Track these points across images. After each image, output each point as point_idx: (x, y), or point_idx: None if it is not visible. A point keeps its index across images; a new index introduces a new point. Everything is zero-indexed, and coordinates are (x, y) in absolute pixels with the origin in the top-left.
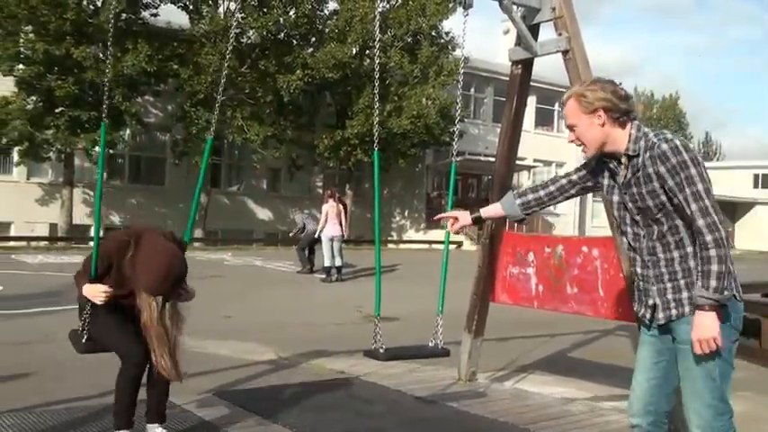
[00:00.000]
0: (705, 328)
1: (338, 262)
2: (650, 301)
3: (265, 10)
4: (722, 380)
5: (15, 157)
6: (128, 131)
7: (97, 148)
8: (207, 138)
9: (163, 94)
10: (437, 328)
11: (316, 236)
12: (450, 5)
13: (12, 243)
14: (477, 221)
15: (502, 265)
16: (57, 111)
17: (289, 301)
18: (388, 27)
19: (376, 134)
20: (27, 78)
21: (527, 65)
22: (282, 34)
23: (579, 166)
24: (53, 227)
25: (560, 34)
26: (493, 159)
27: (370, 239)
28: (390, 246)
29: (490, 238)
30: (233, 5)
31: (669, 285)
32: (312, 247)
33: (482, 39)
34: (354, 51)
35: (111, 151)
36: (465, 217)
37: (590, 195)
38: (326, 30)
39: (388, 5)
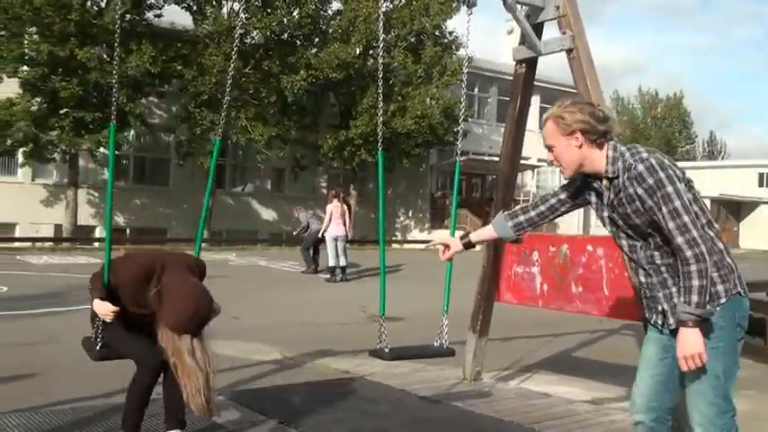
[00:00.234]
0: (690, 344)
1: (342, 262)
2: (659, 308)
3: (269, 10)
4: (726, 378)
5: (20, 158)
6: (132, 132)
7: (102, 149)
8: (214, 139)
9: (167, 95)
10: (442, 328)
11: (320, 235)
12: (454, 5)
13: (17, 244)
14: (468, 246)
15: (506, 265)
16: (61, 112)
17: (293, 302)
18: (392, 27)
19: (380, 134)
20: (31, 80)
21: (531, 64)
22: (286, 35)
23: (566, 184)
24: (58, 228)
25: (564, 33)
26: (497, 159)
27: (374, 239)
28: (394, 246)
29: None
30: (236, 6)
31: (674, 290)
32: (317, 247)
33: (486, 38)
34: (358, 51)
35: (115, 152)
36: (456, 244)
37: None
38: (330, 30)
39: (391, 5)
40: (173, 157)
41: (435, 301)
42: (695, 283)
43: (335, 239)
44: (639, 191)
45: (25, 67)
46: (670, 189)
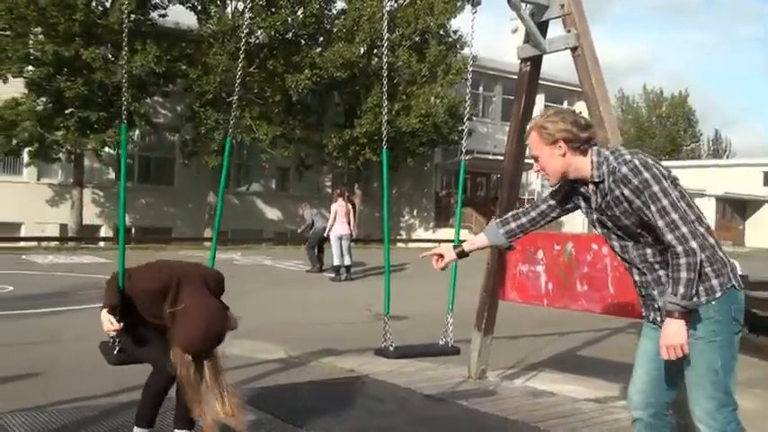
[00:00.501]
0: (674, 334)
1: (347, 261)
2: (656, 305)
3: (273, 10)
4: (725, 372)
5: (25, 157)
6: (137, 132)
7: (107, 149)
8: (219, 138)
9: (172, 95)
10: (447, 326)
11: (325, 234)
12: (459, 4)
13: (22, 243)
14: (462, 255)
15: (511, 263)
16: (66, 112)
17: (298, 301)
18: (396, 26)
19: (384, 133)
20: (37, 80)
21: (536, 62)
22: (290, 34)
23: (554, 190)
24: (63, 227)
25: (569, 31)
26: (502, 158)
27: (379, 238)
28: (399, 245)
29: None
30: (241, 5)
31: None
32: (321, 246)
33: (490, 37)
34: (362, 51)
35: (120, 152)
36: (450, 253)
37: None
38: (334, 29)
39: (395, 4)
40: (177, 156)
41: (440, 299)
42: (683, 275)
43: (340, 238)
44: (626, 192)
45: (30, 67)
46: (656, 188)
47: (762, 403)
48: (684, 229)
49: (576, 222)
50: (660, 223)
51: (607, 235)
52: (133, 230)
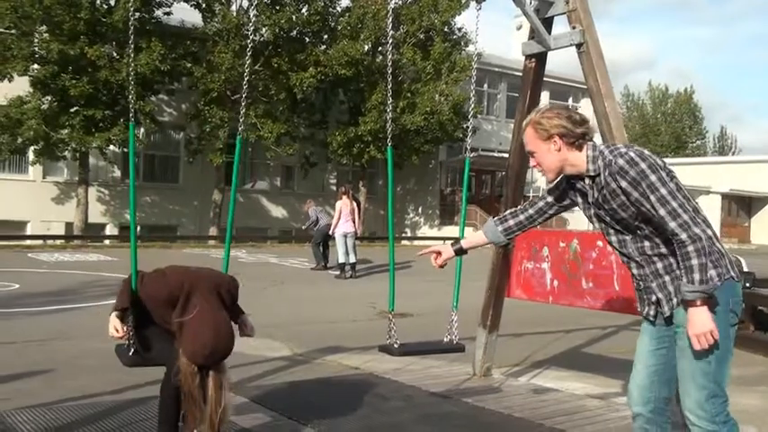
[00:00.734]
0: (701, 323)
1: (352, 259)
2: (653, 297)
3: (278, 7)
4: (717, 363)
5: (31, 156)
6: (142, 130)
7: (111, 147)
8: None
9: (176, 93)
10: (451, 324)
11: (330, 232)
12: (463, 1)
13: (28, 242)
14: (460, 253)
15: (516, 261)
16: (71, 110)
17: (303, 298)
18: (401, 23)
19: (389, 131)
20: (42, 78)
21: (541, 59)
22: (295, 32)
23: (551, 187)
24: (69, 225)
25: (574, 27)
26: (506, 155)
27: (383, 236)
28: (404, 242)
29: None
30: (245, 3)
31: (668, 278)
32: (326, 244)
33: (495, 34)
34: (367, 48)
35: (125, 150)
36: (447, 250)
37: None
38: (339, 27)
39: (400, 2)
40: (182, 154)
41: (445, 297)
42: (695, 261)
43: (345, 236)
44: (623, 184)
45: (35, 66)
46: (654, 178)
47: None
48: (686, 217)
49: (581, 221)
50: (662, 212)
51: (605, 230)
52: (138, 228)
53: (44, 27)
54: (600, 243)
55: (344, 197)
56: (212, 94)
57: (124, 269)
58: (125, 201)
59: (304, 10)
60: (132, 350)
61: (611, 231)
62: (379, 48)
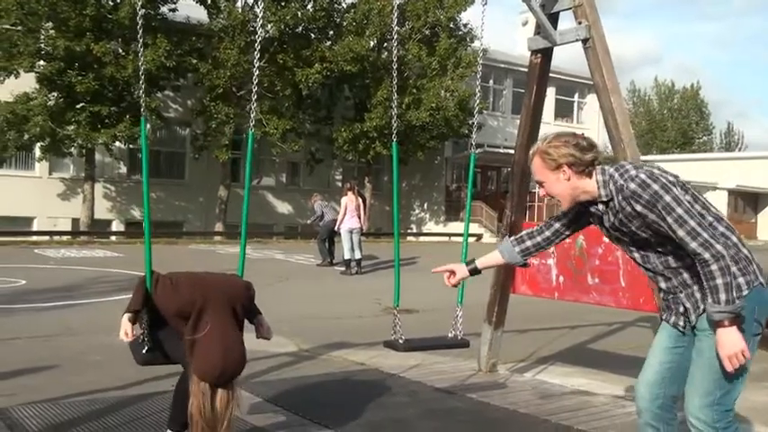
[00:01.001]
0: (730, 344)
1: (358, 255)
2: (681, 308)
3: (283, 3)
4: (731, 374)
5: (37, 152)
6: (148, 126)
7: (117, 143)
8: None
9: (182, 89)
10: (456, 319)
11: (336, 229)
12: None
13: (34, 238)
14: (475, 273)
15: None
16: (77, 106)
17: (309, 294)
18: (406, 19)
19: (394, 127)
20: (48, 74)
21: (546, 54)
22: (300, 28)
23: (567, 210)
24: (75, 221)
25: (580, 23)
26: (512, 151)
27: (389, 232)
28: (410, 238)
29: (510, 229)
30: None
31: (696, 287)
32: (332, 240)
33: (501, 30)
34: (372, 44)
35: (131, 146)
36: (461, 270)
37: None
38: (344, 23)
39: None
40: (188, 150)
41: (450, 293)
42: (719, 281)
43: (350, 232)
44: (638, 208)
45: (42, 62)
46: (668, 198)
47: None
48: (705, 235)
49: None
50: (680, 233)
51: (626, 248)
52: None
53: (50, 23)
54: (606, 239)
55: (350, 193)
56: (218, 91)
57: (130, 265)
58: (131, 197)
59: (309, 6)
60: (146, 348)
61: (632, 249)
62: (385, 44)
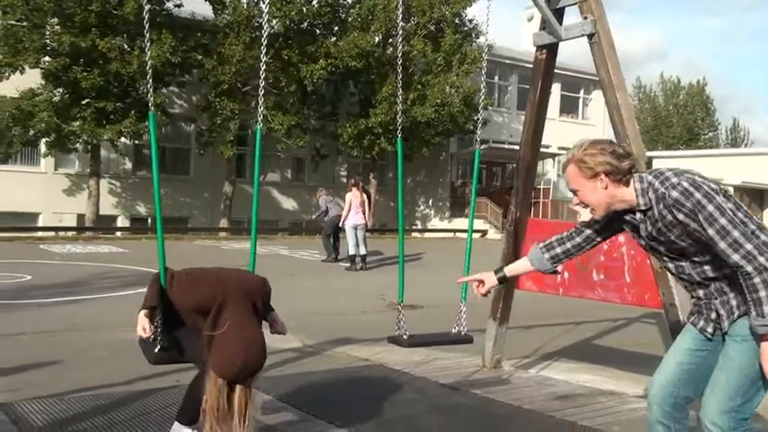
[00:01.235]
0: None
1: (362, 250)
2: (713, 315)
3: None
4: (755, 385)
5: (43, 148)
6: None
7: (123, 139)
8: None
9: (187, 85)
10: (460, 315)
11: (340, 224)
12: None
13: (40, 233)
14: (503, 281)
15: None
16: (83, 102)
17: (314, 290)
18: (411, 15)
19: (399, 123)
20: (53, 70)
21: (552, 50)
22: (306, 23)
23: (600, 217)
24: (80, 217)
25: (585, 18)
26: (517, 147)
27: (394, 228)
28: (415, 234)
29: (515, 225)
30: None
31: (732, 294)
32: (337, 236)
33: (506, 26)
34: (377, 40)
35: (136, 142)
36: (490, 279)
37: None
38: (349, 18)
39: None
40: (193, 146)
41: (454, 289)
42: (763, 294)
43: (355, 228)
44: (680, 217)
45: (47, 58)
46: (711, 208)
47: None
48: (749, 246)
49: None
50: (722, 245)
51: (660, 257)
52: (149, 220)
53: (55, 19)
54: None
55: (355, 189)
56: (223, 86)
57: (135, 261)
58: (136, 193)
59: (314, 2)
60: (158, 347)
61: (667, 259)
62: (390, 39)
